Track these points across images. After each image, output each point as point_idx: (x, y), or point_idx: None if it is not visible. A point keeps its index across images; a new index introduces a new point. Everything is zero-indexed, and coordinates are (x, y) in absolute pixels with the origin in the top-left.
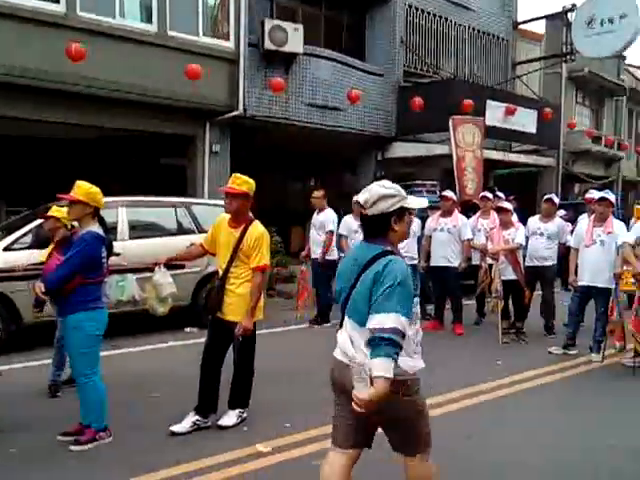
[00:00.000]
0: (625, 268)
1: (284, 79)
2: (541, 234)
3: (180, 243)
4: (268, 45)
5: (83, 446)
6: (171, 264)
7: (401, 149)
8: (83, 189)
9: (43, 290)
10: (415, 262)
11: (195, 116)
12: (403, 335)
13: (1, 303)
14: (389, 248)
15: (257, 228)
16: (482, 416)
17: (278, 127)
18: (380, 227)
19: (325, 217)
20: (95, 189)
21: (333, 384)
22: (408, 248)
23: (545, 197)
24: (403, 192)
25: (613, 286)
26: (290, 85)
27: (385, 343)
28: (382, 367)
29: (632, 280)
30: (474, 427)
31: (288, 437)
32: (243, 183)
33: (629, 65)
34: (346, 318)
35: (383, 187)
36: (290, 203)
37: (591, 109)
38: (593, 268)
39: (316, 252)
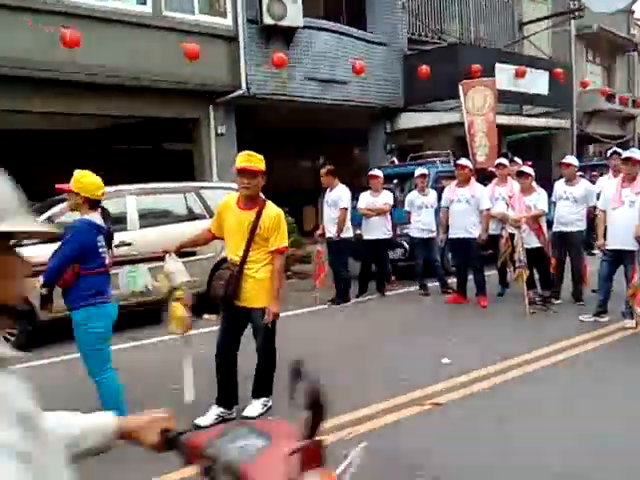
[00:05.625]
0: None
1: (285, 54)
2: (567, 198)
3: (192, 230)
4: (267, 20)
5: None
6: (181, 251)
7: (410, 120)
8: (74, 178)
9: (41, 283)
10: (433, 235)
11: (198, 98)
12: None
13: None
14: None
15: (273, 209)
16: (523, 389)
17: (282, 104)
18: None
19: (337, 194)
20: (88, 179)
21: None
22: (425, 220)
23: (562, 160)
24: None
25: (637, 248)
26: (292, 60)
27: None
28: None
29: None
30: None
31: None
32: (259, 161)
33: (638, 19)
34: None
35: None
36: (301, 182)
37: (602, 67)
38: (623, 231)
39: (330, 231)
